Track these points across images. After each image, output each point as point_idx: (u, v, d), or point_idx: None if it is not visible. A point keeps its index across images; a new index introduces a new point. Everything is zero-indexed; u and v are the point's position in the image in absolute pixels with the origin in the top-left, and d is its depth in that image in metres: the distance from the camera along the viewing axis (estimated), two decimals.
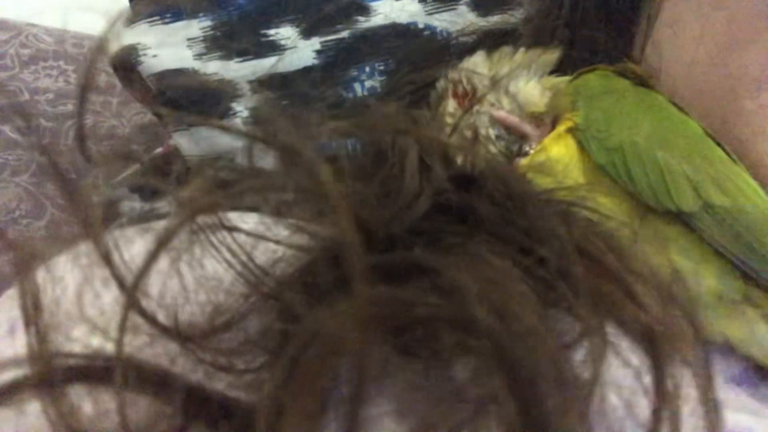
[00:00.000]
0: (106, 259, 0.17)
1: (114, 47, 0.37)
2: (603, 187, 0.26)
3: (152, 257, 0.17)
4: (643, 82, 0.30)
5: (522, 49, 0.33)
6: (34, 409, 0.17)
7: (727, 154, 0.27)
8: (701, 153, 0.26)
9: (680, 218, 0.25)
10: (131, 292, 0.17)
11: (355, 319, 0.16)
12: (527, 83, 0.32)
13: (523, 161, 0.29)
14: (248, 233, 0.20)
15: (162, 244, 0.17)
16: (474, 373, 0.17)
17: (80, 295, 0.18)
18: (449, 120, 0.33)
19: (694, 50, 0.30)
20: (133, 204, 0.47)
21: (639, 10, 0.34)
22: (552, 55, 0.33)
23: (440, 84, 0.33)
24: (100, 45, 0.18)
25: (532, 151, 0.29)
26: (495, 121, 0.32)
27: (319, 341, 0.16)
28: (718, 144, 0.27)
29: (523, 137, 0.31)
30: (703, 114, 0.29)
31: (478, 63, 0.33)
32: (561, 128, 0.28)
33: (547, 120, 0.30)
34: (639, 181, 0.25)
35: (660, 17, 0.32)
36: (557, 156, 0.28)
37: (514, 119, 0.31)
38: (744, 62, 0.28)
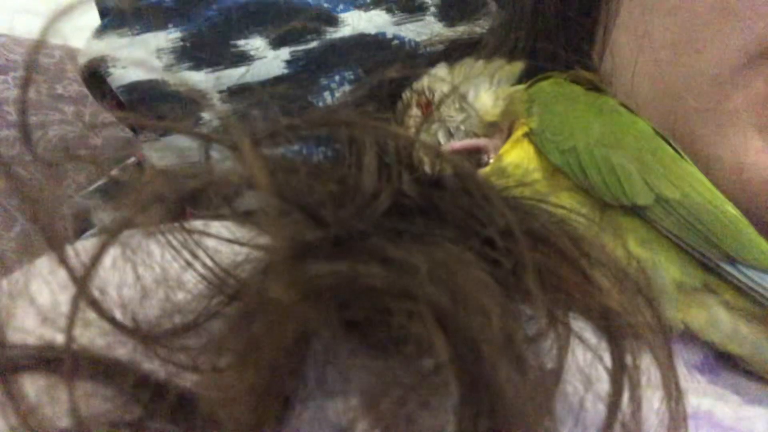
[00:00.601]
0: (56, 247, 0.17)
1: (83, 59, 0.38)
2: (562, 186, 0.27)
3: (104, 245, 0.17)
4: (595, 87, 0.31)
5: (481, 61, 0.34)
6: None
7: (677, 151, 0.28)
8: (651, 150, 0.27)
9: (637, 212, 0.26)
10: (81, 282, 0.17)
11: (299, 290, 0.16)
12: (484, 94, 0.33)
13: (485, 170, 0.30)
14: (206, 233, 0.20)
15: (114, 232, 0.18)
16: (420, 344, 0.17)
17: (32, 288, 0.19)
18: (413, 128, 0.33)
19: (647, 55, 0.31)
20: (105, 214, 0.47)
21: (596, 21, 0.35)
22: (515, 67, 0.33)
23: (405, 95, 0.34)
24: (39, 44, 0.18)
25: (491, 161, 0.30)
26: (451, 135, 0.33)
27: (263, 314, 0.17)
28: (668, 142, 0.28)
29: (480, 151, 0.32)
30: (656, 115, 0.30)
31: (440, 74, 0.34)
32: (518, 133, 0.29)
33: (503, 127, 0.31)
34: (594, 180, 0.26)
35: (615, 25, 0.33)
36: (516, 160, 0.29)
37: (465, 143, 0.32)
38: (699, 61, 0.29)
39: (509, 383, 0.17)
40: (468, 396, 0.17)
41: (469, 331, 0.17)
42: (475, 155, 0.32)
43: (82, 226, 0.47)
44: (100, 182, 0.48)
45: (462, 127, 0.33)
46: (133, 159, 0.44)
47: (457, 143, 0.32)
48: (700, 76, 0.29)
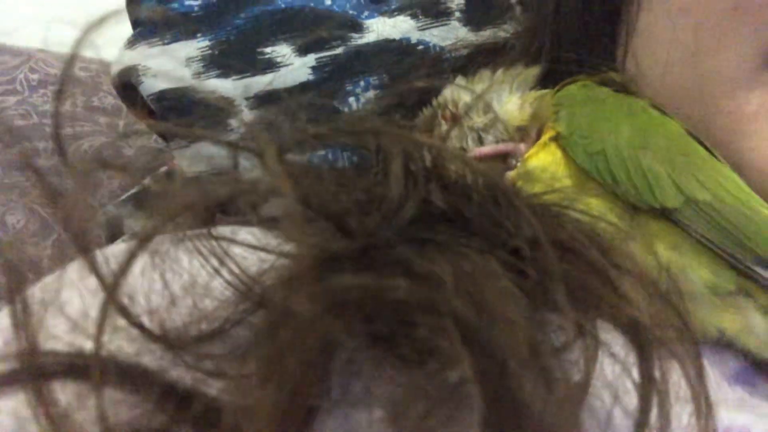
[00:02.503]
0: (85, 254, 0.18)
1: (115, 68, 0.39)
2: (590, 190, 0.26)
3: (134, 254, 0.18)
4: (624, 89, 0.30)
5: (501, 70, 0.34)
6: (6, 406, 0.17)
7: (709, 151, 0.28)
8: (681, 151, 0.27)
9: (667, 215, 0.26)
10: (110, 290, 0.18)
11: (319, 301, 0.16)
12: (509, 99, 0.32)
13: (511, 173, 0.30)
14: (233, 240, 0.20)
15: (144, 240, 0.18)
16: (445, 358, 0.17)
17: (67, 296, 0.19)
18: (451, 137, 0.33)
19: (667, 57, 0.31)
20: (138, 221, 0.48)
21: (618, 25, 0.34)
22: (532, 71, 0.33)
23: (427, 110, 0.34)
24: (73, 56, 0.19)
25: (518, 164, 0.30)
26: (481, 141, 0.33)
27: (287, 325, 0.17)
28: (700, 142, 0.28)
29: (509, 155, 0.31)
30: (683, 117, 0.30)
31: (456, 88, 0.34)
32: (545, 137, 0.29)
33: (532, 132, 0.31)
34: (622, 182, 0.26)
35: (636, 29, 0.33)
36: (543, 164, 0.28)
37: (493, 148, 0.32)
38: (716, 64, 0.29)
39: (535, 398, 0.17)
40: (493, 411, 0.17)
41: (494, 346, 0.17)
42: (504, 159, 0.32)
43: (114, 233, 0.48)
44: (132, 191, 0.49)
45: (491, 133, 0.32)
46: (164, 168, 0.45)
47: (485, 148, 0.32)
48: (718, 79, 0.29)
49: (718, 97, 0.29)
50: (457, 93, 0.34)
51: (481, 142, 0.33)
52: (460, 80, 0.34)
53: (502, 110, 0.32)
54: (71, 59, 0.19)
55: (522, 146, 0.31)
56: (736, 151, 0.28)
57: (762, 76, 0.28)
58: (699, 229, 0.25)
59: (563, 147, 0.28)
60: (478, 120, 0.33)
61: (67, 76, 0.20)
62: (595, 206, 0.26)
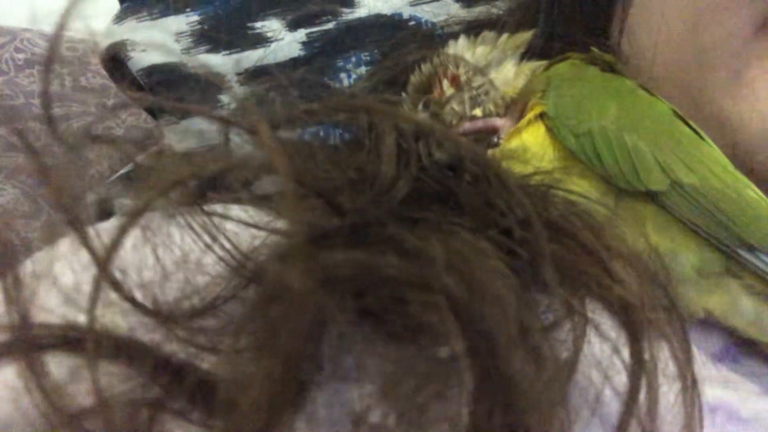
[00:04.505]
0: (78, 228, 0.18)
1: (103, 44, 0.38)
2: (576, 171, 0.26)
3: (125, 227, 0.18)
4: (612, 68, 0.30)
5: (505, 35, 0.34)
6: (6, 377, 0.17)
7: (697, 132, 0.28)
8: (668, 133, 0.27)
9: (652, 198, 0.25)
10: (102, 263, 0.18)
11: (311, 276, 0.16)
12: (504, 67, 0.32)
13: (496, 151, 0.30)
14: (225, 216, 0.20)
15: (135, 214, 0.18)
16: (436, 334, 0.17)
17: (59, 269, 0.19)
18: (452, 101, 0.33)
19: (666, 30, 0.31)
20: (127, 201, 0.47)
21: (613, 1, 0.34)
22: (522, 36, 0.33)
23: (426, 68, 0.33)
24: (63, 23, 0.19)
25: (502, 141, 0.30)
26: (478, 105, 0.32)
27: (280, 300, 0.17)
28: (688, 125, 0.28)
29: (493, 131, 0.31)
30: (681, 90, 0.30)
31: (462, 47, 0.33)
32: (530, 115, 0.29)
33: (517, 106, 0.31)
34: (608, 164, 0.26)
35: (632, 5, 0.33)
36: (528, 142, 0.28)
37: (478, 123, 0.31)
38: (715, 33, 0.29)
39: (524, 375, 0.17)
40: (482, 387, 0.17)
41: (484, 323, 0.17)
42: (486, 136, 0.32)
43: (104, 214, 0.47)
44: (122, 171, 0.49)
45: (486, 100, 0.32)
46: (155, 147, 0.45)
47: (469, 124, 0.32)
48: (717, 48, 0.29)
49: (718, 66, 0.29)
50: (459, 52, 0.33)
51: (478, 104, 0.32)
52: (462, 40, 0.33)
53: (498, 78, 0.32)
54: (60, 29, 0.19)
55: (505, 122, 0.31)
56: (736, 115, 0.29)
57: (759, 42, 0.28)
58: (685, 212, 0.25)
59: (548, 126, 0.28)
60: (475, 84, 0.32)
61: (55, 47, 0.19)
62: (582, 187, 0.25)
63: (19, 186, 0.56)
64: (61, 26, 0.18)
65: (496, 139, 0.31)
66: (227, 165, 0.20)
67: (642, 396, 0.19)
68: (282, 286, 0.17)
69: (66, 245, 0.20)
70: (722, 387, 0.24)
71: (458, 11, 0.39)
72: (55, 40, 0.19)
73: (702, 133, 0.28)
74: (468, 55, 0.33)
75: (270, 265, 0.18)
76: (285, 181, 0.18)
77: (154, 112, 0.41)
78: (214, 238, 0.19)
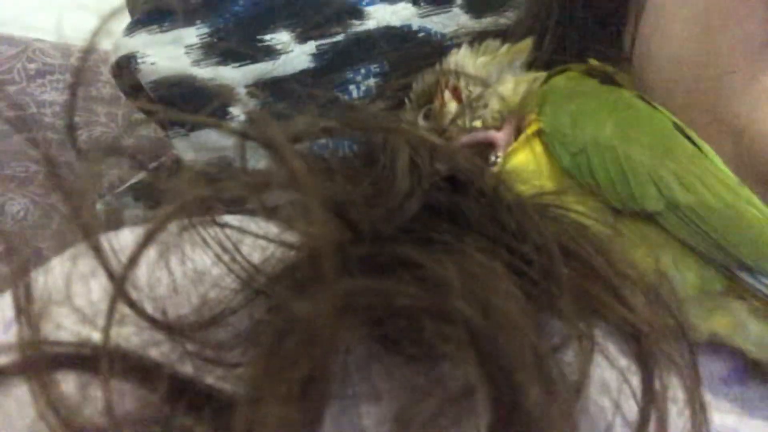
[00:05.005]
0: (95, 247, 0.18)
1: (114, 56, 0.38)
2: (573, 191, 0.26)
3: (142, 247, 0.18)
4: (611, 79, 0.30)
5: (506, 45, 0.33)
6: (20, 394, 0.17)
7: (697, 146, 0.27)
8: (666, 149, 0.26)
9: (649, 217, 0.25)
10: (119, 282, 0.17)
11: (330, 307, 0.16)
12: (504, 79, 0.32)
13: (494, 170, 0.29)
14: (239, 229, 0.20)
15: (152, 234, 0.18)
16: (453, 363, 0.17)
17: (70, 285, 0.19)
18: (449, 114, 0.33)
19: (680, 35, 0.30)
20: (136, 212, 0.47)
21: (626, 8, 0.34)
22: (521, 45, 0.33)
23: (428, 77, 0.33)
24: (92, 42, 0.19)
25: (500, 160, 0.30)
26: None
27: (295, 330, 0.17)
28: (687, 137, 0.27)
29: (491, 146, 0.31)
30: (695, 98, 0.29)
31: (463, 57, 0.33)
32: (528, 132, 0.28)
33: (514, 119, 0.31)
34: (603, 183, 0.25)
35: (646, 11, 0.32)
36: (525, 161, 0.28)
37: (478, 135, 0.31)
38: (729, 41, 0.29)
39: (539, 403, 0.17)
40: (499, 417, 0.17)
41: (502, 353, 0.17)
42: (485, 148, 0.31)
43: (111, 224, 0.47)
44: (131, 182, 0.49)
45: (484, 112, 0.32)
46: (164, 159, 0.45)
47: (467, 137, 0.32)
48: (732, 53, 0.28)
49: (733, 73, 0.28)
50: (461, 62, 0.33)
51: (478, 119, 0.32)
52: (464, 49, 0.33)
53: (497, 90, 0.32)
54: (87, 50, 0.19)
55: (503, 135, 0.31)
56: (753, 123, 0.28)
57: None
58: (682, 233, 0.24)
59: (545, 143, 0.27)
60: (475, 96, 0.32)
61: (82, 66, 0.20)
62: (578, 207, 0.25)
63: (29, 195, 0.56)
64: (91, 43, 0.18)
65: (494, 157, 0.31)
66: (250, 185, 0.20)
67: (652, 425, 0.19)
68: (298, 318, 0.17)
69: (78, 258, 0.20)
70: (730, 414, 0.24)
71: (467, 22, 0.39)
72: (84, 58, 0.19)
73: (703, 147, 0.27)
74: (469, 65, 0.33)
75: (285, 290, 0.18)
76: (310, 198, 0.18)
77: (162, 124, 0.41)
78: (227, 251, 0.19)
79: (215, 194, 0.19)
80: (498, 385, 0.17)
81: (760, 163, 0.28)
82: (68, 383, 0.17)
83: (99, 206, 0.45)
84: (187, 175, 0.19)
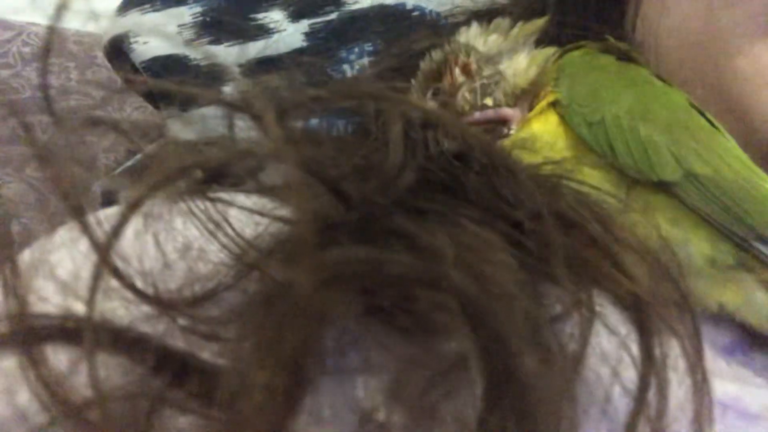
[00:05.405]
0: (76, 214, 0.17)
1: (106, 36, 0.38)
2: (588, 161, 0.26)
3: (126, 216, 0.17)
4: (627, 56, 0.30)
5: (519, 25, 0.33)
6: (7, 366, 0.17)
7: (711, 123, 0.27)
8: (683, 123, 0.26)
9: (665, 188, 0.25)
10: (103, 251, 0.17)
11: (315, 275, 0.16)
12: (517, 57, 0.32)
13: (506, 141, 0.29)
14: (230, 203, 0.20)
15: (136, 203, 0.18)
16: (445, 334, 0.17)
17: (58, 259, 0.19)
18: (462, 90, 0.32)
19: (682, 16, 0.30)
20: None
21: None
22: (535, 24, 0.32)
23: (437, 55, 0.33)
24: (60, 14, 0.18)
25: (513, 132, 0.30)
26: (488, 95, 0.32)
27: (281, 300, 0.17)
28: (703, 115, 0.27)
29: (503, 122, 0.31)
30: (698, 78, 0.29)
31: (473, 35, 0.33)
32: (543, 103, 0.28)
33: (528, 96, 0.30)
34: (621, 154, 0.25)
35: None
36: (540, 131, 0.28)
37: (488, 114, 0.31)
38: (732, 19, 0.28)
39: (534, 373, 0.17)
40: (493, 387, 0.17)
41: (494, 321, 0.17)
42: (497, 125, 0.31)
43: (110, 204, 0.47)
44: (128, 163, 0.49)
45: (496, 90, 0.32)
46: (160, 140, 0.45)
47: (479, 114, 0.32)
48: (734, 33, 0.28)
49: (734, 53, 0.28)
50: (471, 40, 0.33)
51: (488, 94, 0.32)
52: (474, 27, 0.33)
53: (509, 68, 0.32)
54: (55, 20, 0.19)
55: (516, 112, 0.31)
56: (757, 103, 0.28)
57: None
58: (698, 203, 0.25)
59: (561, 114, 0.27)
60: (486, 74, 0.32)
61: (52, 38, 0.19)
62: (594, 177, 0.25)
63: (26, 179, 0.56)
64: (57, 18, 0.18)
65: (506, 130, 0.30)
66: (232, 154, 0.20)
67: (652, 393, 0.19)
68: (287, 285, 0.17)
69: (65, 233, 0.20)
70: (732, 382, 0.24)
71: (463, 1, 0.39)
72: (51, 31, 0.19)
73: (718, 125, 0.27)
74: (480, 44, 0.33)
75: (275, 263, 0.18)
76: (292, 169, 0.18)
77: (156, 102, 0.41)
78: (217, 225, 0.19)
79: (198, 163, 0.19)
80: (491, 355, 0.17)
81: (762, 143, 0.28)
82: (58, 356, 0.17)
83: (95, 188, 0.45)
84: (172, 146, 0.19)
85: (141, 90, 0.38)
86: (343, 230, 0.18)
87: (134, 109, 0.64)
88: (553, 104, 0.28)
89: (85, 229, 0.17)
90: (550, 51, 0.32)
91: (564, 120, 0.27)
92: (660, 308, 0.20)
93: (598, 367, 0.20)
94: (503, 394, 0.17)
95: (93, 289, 0.17)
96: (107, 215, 0.18)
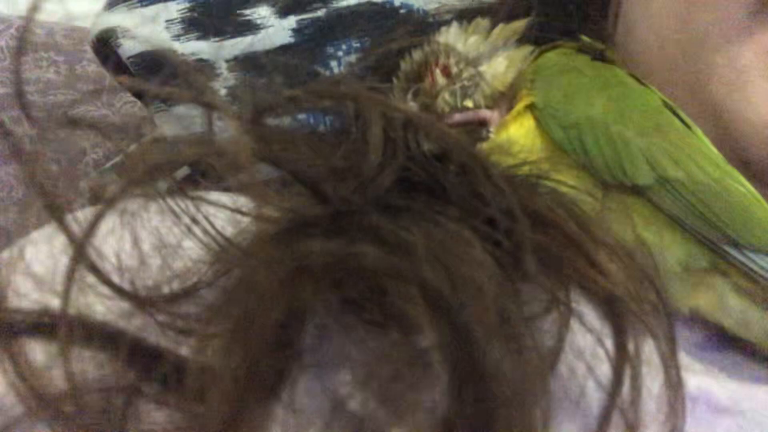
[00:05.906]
0: (53, 210, 0.18)
1: (93, 31, 0.38)
2: (563, 164, 0.26)
3: (102, 212, 0.18)
4: (602, 56, 0.30)
5: (499, 26, 0.33)
6: None
7: (685, 123, 0.27)
8: (656, 125, 0.26)
9: (639, 192, 0.25)
10: (79, 246, 0.17)
11: (288, 268, 0.16)
12: (496, 59, 0.32)
13: (484, 145, 0.29)
14: (208, 201, 0.20)
15: (111, 200, 0.18)
16: (412, 326, 0.17)
17: (35, 256, 0.19)
18: (442, 92, 0.32)
19: (660, 16, 0.30)
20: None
21: None
22: (515, 26, 0.33)
23: (417, 56, 0.33)
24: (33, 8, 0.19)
25: (492, 133, 0.30)
26: (468, 97, 0.32)
27: (252, 292, 0.17)
28: (676, 114, 0.27)
29: (483, 123, 0.31)
30: (676, 78, 0.29)
31: (454, 36, 0.33)
32: (519, 106, 0.29)
33: (507, 98, 0.31)
34: (594, 157, 0.26)
35: None
36: (516, 135, 0.28)
37: (467, 115, 0.31)
38: (709, 19, 0.29)
39: (502, 365, 0.17)
40: (458, 378, 0.17)
41: (460, 314, 0.17)
42: (476, 128, 0.31)
43: (97, 201, 0.47)
44: (115, 159, 0.49)
45: (476, 92, 0.32)
46: (149, 136, 0.45)
47: (458, 115, 0.32)
48: (710, 33, 0.29)
49: (712, 52, 0.29)
50: (451, 41, 0.33)
51: (468, 96, 0.32)
52: (455, 28, 0.33)
53: (489, 70, 0.32)
54: (31, 13, 0.19)
55: (495, 114, 0.31)
56: (732, 104, 0.28)
57: (751, 28, 0.28)
58: (671, 207, 0.25)
59: (537, 118, 0.27)
60: (466, 75, 0.32)
61: (27, 31, 0.19)
62: (570, 181, 0.25)
63: (13, 172, 0.56)
64: (33, 10, 0.18)
65: (485, 132, 0.31)
66: (205, 151, 0.20)
67: (625, 387, 0.19)
68: (255, 277, 0.17)
69: (43, 230, 0.20)
70: (704, 376, 0.24)
71: None
72: (26, 24, 0.19)
73: (692, 126, 0.27)
74: (460, 45, 0.33)
75: (242, 255, 0.18)
76: (252, 170, 0.18)
77: (145, 100, 0.41)
78: (195, 222, 0.19)
79: (172, 159, 0.19)
80: (456, 345, 0.17)
81: (737, 144, 0.28)
82: (35, 350, 0.17)
83: (83, 185, 0.45)
84: (150, 143, 0.19)
85: (127, 86, 0.38)
86: (316, 227, 0.19)
87: (124, 104, 0.64)
88: (530, 107, 0.28)
89: (61, 224, 0.18)
90: (527, 50, 0.32)
91: (540, 123, 0.27)
92: (634, 304, 0.20)
93: (572, 363, 0.20)
94: (468, 385, 0.17)
95: (68, 284, 0.17)
96: (84, 213, 0.18)
